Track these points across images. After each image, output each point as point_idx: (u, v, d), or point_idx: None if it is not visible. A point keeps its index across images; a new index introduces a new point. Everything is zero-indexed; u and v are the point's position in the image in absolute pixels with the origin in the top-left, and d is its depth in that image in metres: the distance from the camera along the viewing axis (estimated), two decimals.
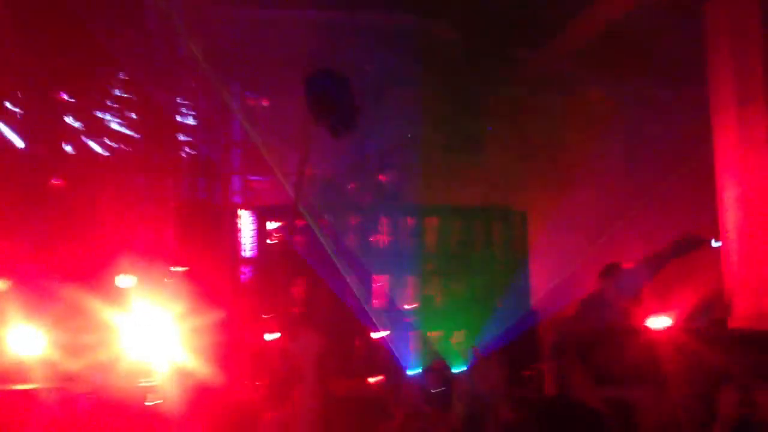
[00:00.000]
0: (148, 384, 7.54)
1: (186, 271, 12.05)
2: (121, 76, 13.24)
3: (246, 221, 13.69)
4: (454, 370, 11.90)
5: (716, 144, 9.42)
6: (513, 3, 12.27)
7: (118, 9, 12.67)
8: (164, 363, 7.76)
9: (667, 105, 11.78)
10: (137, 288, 10.31)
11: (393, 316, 13.46)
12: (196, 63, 13.11)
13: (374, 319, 13.04)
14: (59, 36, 12.21)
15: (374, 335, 12.88)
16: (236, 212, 13.90)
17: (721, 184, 9.30)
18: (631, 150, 12.65)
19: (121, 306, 8.78)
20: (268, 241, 13.51)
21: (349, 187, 14.83)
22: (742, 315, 8.72)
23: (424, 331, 13.43)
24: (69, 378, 7.40)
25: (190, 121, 14.17)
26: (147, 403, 6.61)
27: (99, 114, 13.22)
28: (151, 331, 8.52)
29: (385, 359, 12.32)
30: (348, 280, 12.96)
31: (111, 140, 13.22)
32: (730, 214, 9.03)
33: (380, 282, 13.92)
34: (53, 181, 12.79)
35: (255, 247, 13.50)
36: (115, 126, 13.28)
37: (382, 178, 14.77)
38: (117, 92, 13.34)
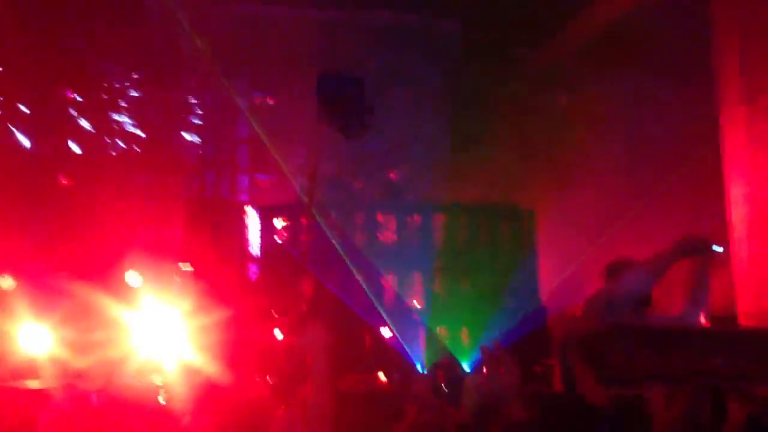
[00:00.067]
0: (156, 381, 7.57)
1: (193, 268, 12.07)
2: (127, 74, 13.27)
3: (253, 219, 13.71)
4: (463, 367, 11.93)
5: (723, 141, 9.37)
6: (517, 1, 12.26)
7: (123, 6, 12.69)
8: (172, 360, 7.79)
9: (672, 103, 11.73)
10: (145, 286, 10.33)
11: (401, 313, 13.47)
12: (201, 61, 13.11)
13: (382, 316, 13.05)
14: (62, 34, 12.25)
15: (382, 332, 12.90)
16: (243, 210, 13.92)
17: (729, 182, 9.26)
18: (635, 148, 12.60)
19: (129, 303, 8.81)
20: (276, 239, 13.53)
21: (356, 184, 14.84)
22: (747, 312, 8.70)
23: (432, 327, 13.44)
24: (78, 375, 7.42)
25: (197, 119, 14.18)
26: (156, 401, 6.63)
27: (105, 112, 13.25)
28: (160, 329, 8.56)
29: (393, 356, 12.34)
30: (356, 277, 12.98)
31: (118, 139, 13.25)
32: (738, 212, 8.99)
33: (388, 279, 13.93)
34: (61, 180, 12.83)
35: (262, 245, 13.52)
36: (122, 124, 13.30)
37: (388, 176, 14.76)
38: (123, 91, 13.37)
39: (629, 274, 3.81)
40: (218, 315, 8.18)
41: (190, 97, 14.10)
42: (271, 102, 14.76)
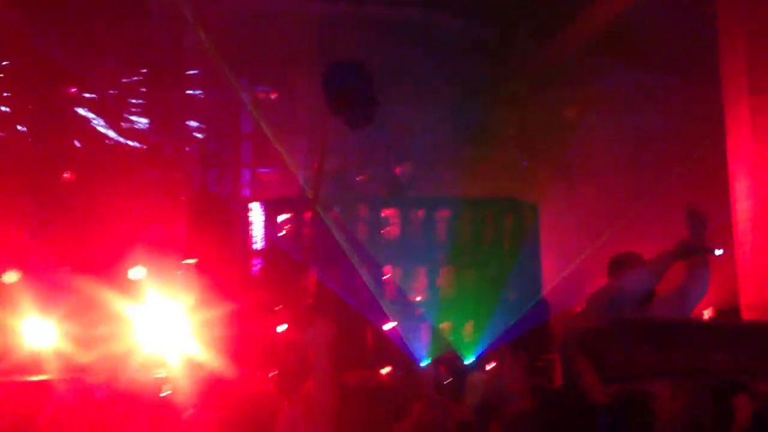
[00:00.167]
0: (160, 375, 7.59)
1: (197, 263, 12.09)
2: (130, 70, 13.27)
3: (256, 213, 13.72)
4: (465, 361, 11.93)
5: (728, 135, 9.36)
6: None
7: (126, 3, 12.70)
8: (176, 355, 7.80)
9: (676, 99, 11.73)
10: (149, 280, 10.34)
11: (404, 307, 13.48)
12: (205, 56, 13.11)
13: (385, 311, 13.06)
14: (67, 31, 12.26)
15: (385, 327, 12.90)
16: (246, 204, 13.93)
17: (733, 175, 9.25)
18: (639, 144, 12.60)
19: (133, 298, 8.82)
20: (279, 234, 13.54)
21: (359, 179, 14.84)
22: (750, 304, 8.71)
23: (434, 322, 13.45)
24: (82, 369, 7.45)
25: (200, 114, 14.19)
26: (159, 395, 6.65)
27: (109, 108, 13.27)
28: (163, 323, 8.57)
29: (396, 351, 12.35)
30: (359, 272, 12.98)
31: (122, 134, 13.26)
32: (742, 206, 8.99)
33: (391, 274, 13.93)
34: (65, 176, 12.85)
35: (265, 239, 13.52)
36: (125, 120, 13.32)
37: (392, 171, 14.76)
38: (126, 87, 13.38)
39: (630, 273, 3.81)
40: (221, 310, 8.19)
41: (193, 93, 14.11)
42: (273, 97, 14.76)
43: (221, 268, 11.90)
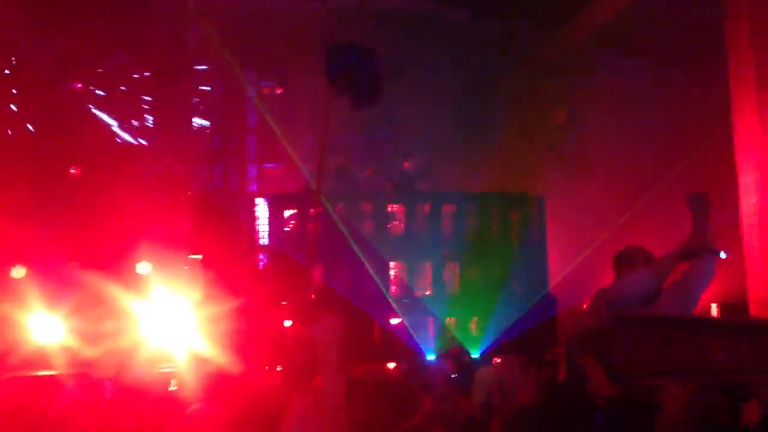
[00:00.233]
0: (167, 370, 7.60)
1: (203, 258, 12.11)
2: (136, 66, 13.29)
3: (262, 208, 13.73)
4: (472, 355, 11.93)
5: (736, 128, 9.32)
6: None
7: None
8: (183, 349, 7.82)
9: (684, 91, 11.68)
10: (155, 275, 10.37)
11: (410, 302, 13.49)
12: (211, 51, 13.12)
13: (392, 306, 13.07)
14: (73, 26, 12.27)
15: (392, 321, 12.92)
16: (252, 199, 13.94)
17: (741, 169, 9.21)
18: (645, 136, 12.55)
19: (139, 293, 8.85)
20: (285, 228, 13.55)
21: (365, 174, 14.84)
22: (758, 299, 8.67)
23: (441, 316, 13.45)
24: (89, 364, 7.47)
25: (205, 110, 14.21)
26: (167, 389, 6.66)
27: (115, 104, 13.29)
28: (170, 318, 8.60)
29: (403, 345, 12.36)
30: (365, 266, 12.98)
31: (128, 130, 13.29)
32: (749, 200, 8.95)
33: (397, 268, 13.93)
34: (72, 172, 12.88)
35: (271, 234, 13.53)
36: (132, 115, 13.34)
37: (398, 165, 14.76)
38: (132, 82, 13.39)
39: (633, 273, 3.80)
40: (227, 304, 8.20)
41: (198, 88, 14.12)
42: (279, 91, 14.76)
43: (227, 262, 11.91)
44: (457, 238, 14.03)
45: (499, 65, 14.22)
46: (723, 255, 3.86)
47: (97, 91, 13.12)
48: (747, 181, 9.08)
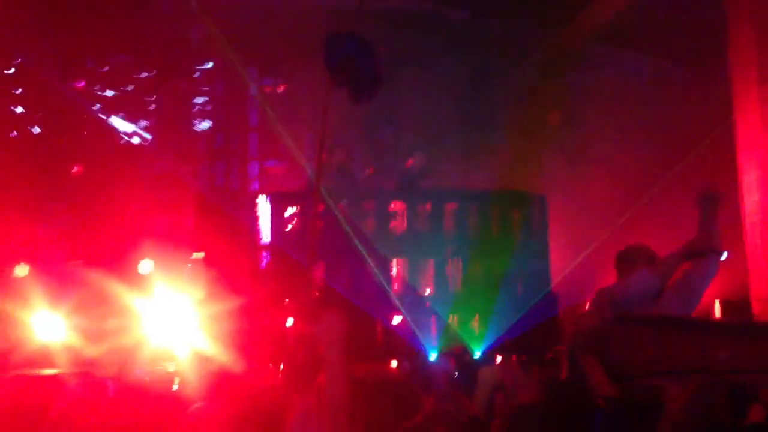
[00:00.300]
0: (169, 368, 7.61)
1: (206, 256, 12.12)
2: (139, 64, 13.29)
3: (264, 207, 13.74)
4: (474, 354, 11.93)
5: (737, 125, 9.31)
6: None
7: None
8: (185, 348, 7.82)
9: (686, 87, 11.67)
10: (158, 274, 10.37)
11: (412, 300, 13.49)
12: (214, 49, 13.12)
13: (394, 304, 13.07)
14: (75, 25, 12.27)
15: (394, 320, 12.92)
16: (254, 198, 13.95)
17: (742, 168, 9.19)
18: (648, 134, 12.54)
19: (142, 292, 8.85)
20: (287, 227, 13.56)
21: (367, 172, 14.84)
22: (760, 297, 8.65)
23: (443, 315, 13.45)
24: (92, 362, 7.47)
25: (209, 108, 14.21)
26: (169, 388, 6.66)
27: (118, 103, 13.30)
28: (172, 317, 8.60)
29: (405, 344, 12.36)
30: (367, 265, 12.99)
31: (130, 129, 13.30)
32: (752, 197, 8.94)
33: (399, 267, 13.94)
34: (74, 170, 12.89)
35: (273, 232, 13.54)
36: (134, 114, 13.34)
37: (400, 163, 14.76)
38: (134, 81, 13.40)
39: (636, 274, 3.80)
40: (230, 303, 8.20)
41: (201, 86, 14.13)
42: (281, 90, 14.76)
43: (229, 261, 11.92)
44: (459, 236, 14.04)
45: (501, 63, 14.21)
46: (724, 256, 3.86)
47: (99, 91, 13.12)
48: (749, 179, 9.07)
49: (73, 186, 12.59)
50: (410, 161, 14.72)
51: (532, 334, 11.70)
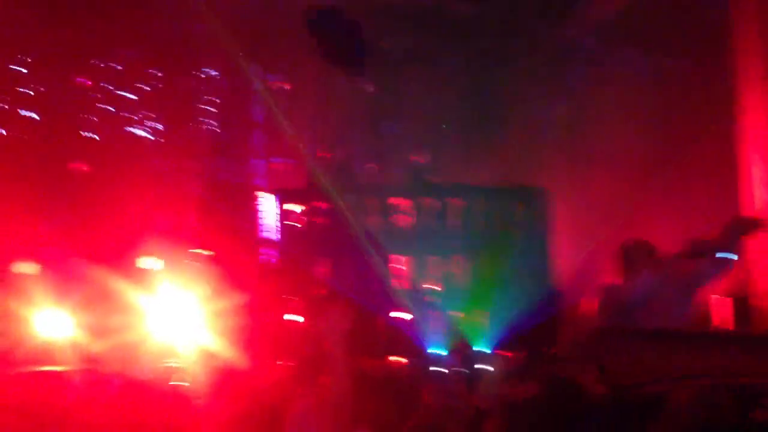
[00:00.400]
0: (173, 365, 7.62)
1: (210, 253, 12.12)
2: (142, 59, 13.30)
3: (268, 203, 13.74)
4: (477, 350, 11.93)
5: (742, 122, 9.28)
6: None
7: None
8: (190, 345, 7.84)
9: (692, 81, 11.62)
10: (161, 270, 10.40)
11: (416, 296, 13.48)
12: (217, 45, 13.11)
13: (397, 300, 13.06)
14: (76, 18, 12.28)
15: (399, 315, 12.91)
16: (259, 195, 13.95)
17: (747, 163, 9.17)
18: (653, 128, 12.50)
19: (146, 288, 8.86)
20: (292, 223, 13.56)
21: (371, 167, 14.83)
22: (762, 294, 8.63)
23: (446, 311, 13.44)
24: (96, 360, 7.50)
25: (212, 103, 14.20)
26: (173, 385, 6.68)
27: (121, 98, 13.31)
28: (177, 313, 8.61)
29: (409, 340, 12.36)
30: (371, 261, 12.98)
31: (134, 124, 13.31)
32: (757, 194, 8.91)
33: (402, 262, 13.93)
34: (77, 166, 12.90)
35: (278, 229, 13.55)
36: (137, 109, 13.35)
37: (404, 158, 14.74)
38: (138, 76, 13.40)
39: (639, 276, 3.81)
40: (235, 299, 8.22)
41: (205, 81, 14.12)
42: (286, 86, 14.74)
43: (234, 258, 11.93)
44: (464, 231, 14.02)
45: (505, 58, 14.17)
46: (732, 257, 3.87)
47: (103, 86, 13.13)
48: (754, 176, 9.05)
49: (76, 182, 12.61)
50: (416, 156, 14.70)
51: (535, 330, 11.69)
